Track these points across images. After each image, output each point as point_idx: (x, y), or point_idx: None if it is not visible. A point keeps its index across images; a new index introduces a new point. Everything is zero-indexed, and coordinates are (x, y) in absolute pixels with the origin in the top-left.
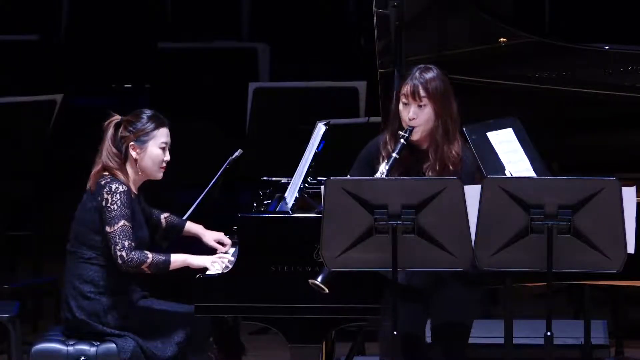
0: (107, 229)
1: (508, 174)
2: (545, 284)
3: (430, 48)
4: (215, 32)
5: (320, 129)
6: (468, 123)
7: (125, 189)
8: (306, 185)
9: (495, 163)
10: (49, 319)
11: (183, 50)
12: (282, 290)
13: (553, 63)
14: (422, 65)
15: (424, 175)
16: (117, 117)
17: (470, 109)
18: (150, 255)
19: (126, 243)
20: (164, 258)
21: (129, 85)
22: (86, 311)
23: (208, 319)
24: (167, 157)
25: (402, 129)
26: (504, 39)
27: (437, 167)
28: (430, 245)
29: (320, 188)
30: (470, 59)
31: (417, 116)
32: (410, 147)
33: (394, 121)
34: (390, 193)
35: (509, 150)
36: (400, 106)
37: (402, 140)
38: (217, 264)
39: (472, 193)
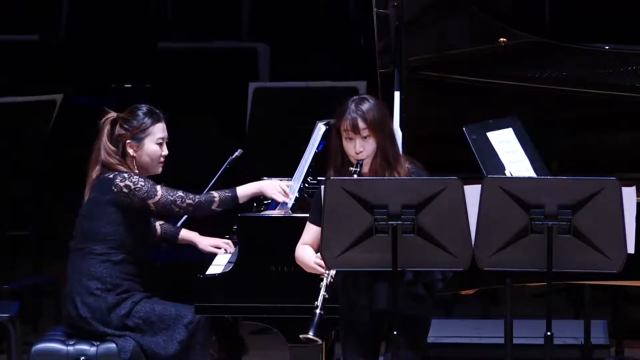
0: (152, 201)
1: (508, 174)
2: (545, 284)
3: (430, 48)
4: (215, 32)
5: (320, 129)
6: (468, 123)
7: (137, 173)
8: (306, 185)
9: (495, 163)
10: (49, 318)
11: (183, 50)
12: (282, 290)
13: (553, 63)
14: (356, 97)
15: None
16: (112, 114)
17: (471, 109)
18: (215, 193)
19: (181, 193)
20: (230, 193)
21: (129, 85)
22: (90, 308)
23: (210, 317)
24: (165, 152)
25: (345, 164)
26: (504, 39)
27: None
28: (430, 245)
29: (320, 188)
30: (470, 59)
31: (364, 148)
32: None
33: (335, 158)
34: (391, 193)
35: (509, 150)
36: (344, 142)
37: (355, 176)
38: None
39: (472, 193)
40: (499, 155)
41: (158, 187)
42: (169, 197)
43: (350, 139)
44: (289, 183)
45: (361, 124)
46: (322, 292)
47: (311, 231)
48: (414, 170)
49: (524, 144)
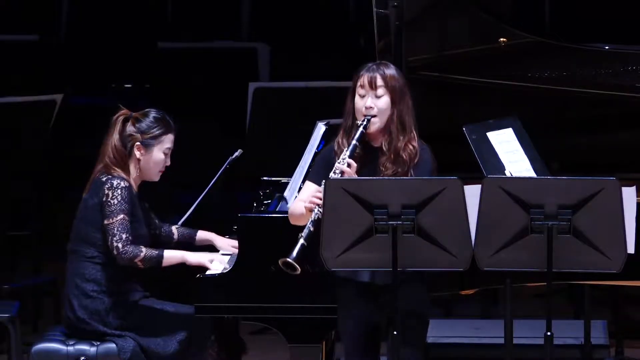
0: (105, 221)
1: (508, 174)
2: (545, 283)
3: (430, 48)
4: (215, 32)
5: (320, 128)
6: (468, 123)
7: (127, 185)
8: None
9: (495, 163)
10: (48, 319)
11: (183, 50)
12: (282, 290)
13: (553, 63)
14: (378, 61)
15: (380, 172)
16: (126, 112)
17: (471, 109)
18: (143, 249)
19: (124, 235)
20: (157, 253)
21: (129, 85)
22: (88, 310)
23: (209, 317)
24: (168, 162)
25: (355, 125)
26: (504, 39)
27: (392, 157)
28: (430, 245)
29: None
30: (471, 59)
31: (375, 105)
32: (364, 145)
33: (347, 118)
34: (390, 193)
35: (509, 150)
36: (357, 99)
37: (360, 129)
38: (216, 262)
39: (472, 193)
40: (499, 155)
41: (121, 215)
42: (116, 229)
43: (364, 95)
44: (224, 257)
45: (379, 81)
46: (309, 225)
47: (308, 188)
48: (424, 149)
49: (524, 143)
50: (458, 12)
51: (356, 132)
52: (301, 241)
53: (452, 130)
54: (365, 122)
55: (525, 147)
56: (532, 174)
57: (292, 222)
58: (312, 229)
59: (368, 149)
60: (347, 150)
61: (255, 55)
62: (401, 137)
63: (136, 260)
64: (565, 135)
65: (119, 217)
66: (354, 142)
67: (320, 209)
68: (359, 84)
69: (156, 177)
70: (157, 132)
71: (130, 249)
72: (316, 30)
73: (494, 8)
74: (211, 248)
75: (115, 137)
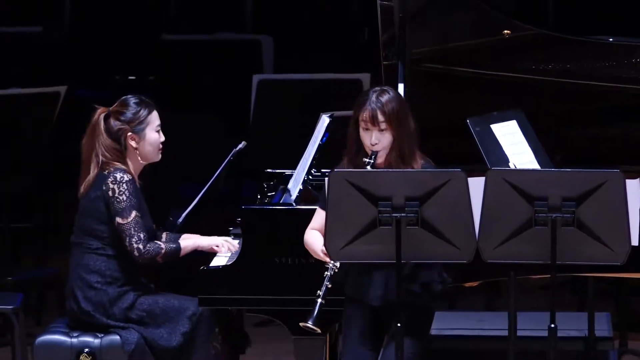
0: (119, 220)
1: (512, 166)
2: (549, 276)
3: (434, 40)
4: (218, 24)
5: (324, 121)
6: (472, 115)
7: (130, 178)
8: (310, 177)
9: (499, 155)
10: (52, 311)
11: (186, 42)
12: (286, 282)
13: (557, 55)
14: (377, 88)
15: None
16: (103, 109)
17: (474, 101)
18: (163, 245)
19: (142, 235)
20: (175, 246)
21: (133, 77)
22: (92, 302)
23: (213, 309)
24: (163, 138)
25: (360, 154)
26: (508, 31)
27: None
28: (434, 238)
29: (323, 180)
30: (475, 51)
31: (379, 141)
32: None
33: (351, 147)
34: (394, 185)
35: (513, 143)
36: (361, 132)
37: (368, 168)
38: (225, 245)
39: (476, 185)
40: (503, 147)
41: (133, 213)
42: (132, 229)
43: (368, 129)
44: (233, 241)
45: (380, 117)
46: (326, 282)
47: (320, 217)
48: (427, 167)
49: (527, 136)
50: (462, 4)
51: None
52: (319, 301)
53: (456, 123)
54: (372, 160)
55: (529, 140)
56: (536, 166)
57: (307, 248)
58: (329, 285)
59: None
60: None
61: (259, 47)
62: (402, 166)
63: (158, 257)
64: (569, 128)
65: (132, 216)
66: None
67: (334, 266)
68: (361, 117)
69: (157, 157)
70: (143, 115)
71: (151, 247)
72: (320, 22)
73: (497, 1)
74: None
75: (103, 136)
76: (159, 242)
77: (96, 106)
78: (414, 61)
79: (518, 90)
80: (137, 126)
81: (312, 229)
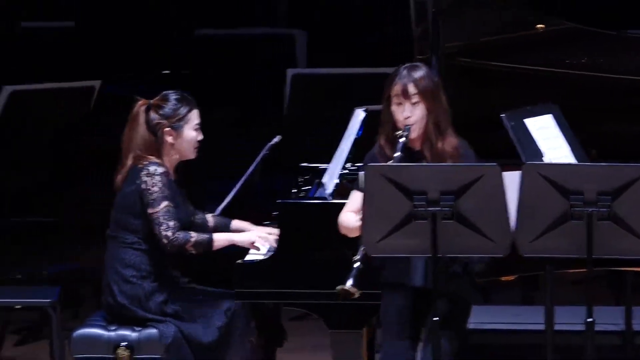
0: (150, 210)
1: (547, 161)
2: (585, 270)
3: (468, 34)
4: (252, 19)
5: (359, 115)
6: (506, 110)
7: (164, 170)
8: (345, 171)
9: (533, 149)
10: (89, 304)
11: (221, 37)
12: (322, 276)
13: (590, 49)
14: (408, 64)
15: None
16: (144, 101)
17: (509, 95)
18: (193, 234)
19: (171, 223)
20: (207, 237)
21: (167, 72)
22: (128, 295)
23: (249, 304)
24: (201, 137)
25: (395, 131)
26: (541, 25)
27: (433, 160)
28: (470, 232)
29: (358, 174)
30: (508, 46)
31: (412, 114)
32: (405, 149)
33: (385, 125)
34: (430, 179)
35: (548, 137)
36: (393, 107)
37: (403, 139)
38: (262, 241)
39: (511, 179)
40: (538, 141)
41: (164, 203)
42: (162, 218)
43: (400, 104)
44: (272, 234)
45: (411, 89)
46: (362, 247)
47: (355, 198)
48: (462, 144)
49: (562, 130)
50: None
51: (399, 144)
52: (356, 265)
53: (490, 117)
54: (406, 133)
55: (564, 134)
56: (572, 160)
57: (342, 232)
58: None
59: (408, 154)
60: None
61: (293, 41)
62: (439, 139)
63: (187, 246)
64: (604, 122)
65: (162, 205)
66: (399, 154)
67: None
68: (393, 93)
69: (193, 155)
70: (183, 112)
71: (180, 235)
72: (353, 16)
73: None
74: None
75: (142, 129)
76: (190, 232)
77: (137, 98)
78: (448, 56)
79: (551, 84)
80: (175, 122)
81: (348, 211)
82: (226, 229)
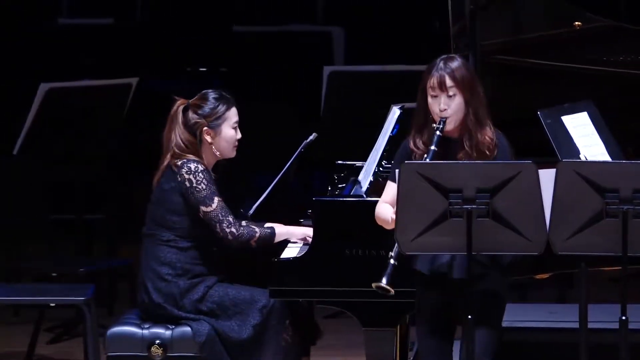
0: (204, 209)
1: (583, 158)
2: (620, 268)
3: (505, 32)
4: (290, 16)
5: (395, 112)
6: (543, 107)
7: (204, 167)
8: (380, 169)
9: (569, 147)
10: (124, 302)
11: (258, 34)
12: (357, 274)
13: (628, 47)
14: (444, 56)
15: None
16: (183, 101)
17: (545, 92)
18: (257, 229)
19: (231, 219)
20: (269, 231)
21: (204, 69)
22: (163, 293)
23: (284, 302)
24: (239, 136)
25: (428, 123)
26: (579, 23)
27: (475, 155)
28: (505, 230)
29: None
30: (545, 43)
31: (448, 106)
32: (442, 139)
33: (419, 116)
34: (465, 177)
35: (584, 134)
36: (429, 99)
37: (437, 133)
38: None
39: (547, 177)
40: (574, 139)
41: (216, 199)
42: (220, 215)
43: (436, 96)
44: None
45: (448, 81)
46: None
47: (391, 189)
48: (498, 134)
49: (598, 127)
50: None
51: (434, 137)
52: (391, 262)
53: (527, 114)
54: (441, 126)
55: (600, 131)
56: (607, 158)
57: (378, 223)
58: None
59: (446, 143)
60: (427, 158)
61: (330, 38)
62: (479, 131)
63: (252, 241)
64: None
65: (216, 202)
66: (433, 148)
67: None
68: (429, 84)
69: (232, 153)
70: (221, 111)
71: (245, 231)
72: (391, 14)
73: None
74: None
75: (180, 129)
76: (252, 226)
77: (175, 97)
78: (485, 53)
79: (588, 82)
80: (213, 121)
81: (384, 202)
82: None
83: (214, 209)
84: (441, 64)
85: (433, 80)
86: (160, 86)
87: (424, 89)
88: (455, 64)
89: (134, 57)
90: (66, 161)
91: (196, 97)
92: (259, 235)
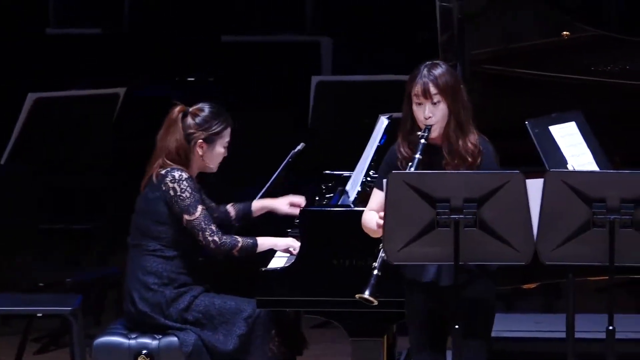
0: (187, 217)
1: (570, 168)
2: (607, 278)
3: (493, 41)
4: (278, 25)
5: (383, 122)
6: (531, 117)
7: (189, 176)
8: (368, 179)
9: (557, 157)
10: (111, 312)
11: (246, 43)
12: (344, 284)
13: (616, 56)
14: (428, 62)
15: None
16: (183, 107)
17: (533, 102)
18: (239, 239)
19: (213, 227)
20: (252, 241)
21: (192, 78)
22: (149, 303)
23: (270, 311)
24: (226, 154)
25: (414, 130)
26: (567, 33)
27: (457, 161)
28: (492, 239)
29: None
30: (533, 53)
31: (433, 114)
32: (427, 146)
33: (405, 124)
34: (453, 187)
35: (572, 144)
36: (414, 107)
37: (422, 141)
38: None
39: (534, 187)
40: (562, 149)
41: (199, 207)
42: (203, 223)
43: (420, 104)
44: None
45: (432, 89)
46: (381, 253)
47: (376, 196)
48: (482, 141)
49: (586, 137)
50: (521, 5)
51: (419, 145)
52: (375, 272)
53: (515, 124)
54: (426, 134)
55: (587, 141)
56: (595, 167)
57: (365, 230)
58: (385, 257)
59: (431, 150)
60: (411, 167)
61: (318, 48)
62: (460, 138)
63: (234, 250)
64: (628, 129)
65: (199, 210)
66: (417, 156)
67: None
68: (413, 92)
69: (215, 169)
70: (219, 128)
71: (227, 240)
72: (379, 24)
73: (557, 1)
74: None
75: (178, 134)
76: (236, 236)
77: (175, 102)
78: (473, 62)
79: (577, 91)
80: (210, 136)
81: (369, 209)
82: (249, 212)
83: (197, 217)
84: (425, 71)
85: (417, 88)
86: (149, 95)
87: (409, 96)
88: (439, 70)
89: (122, 67)
90: (55, 171)
91: (196, 106)
92: (242, 245)
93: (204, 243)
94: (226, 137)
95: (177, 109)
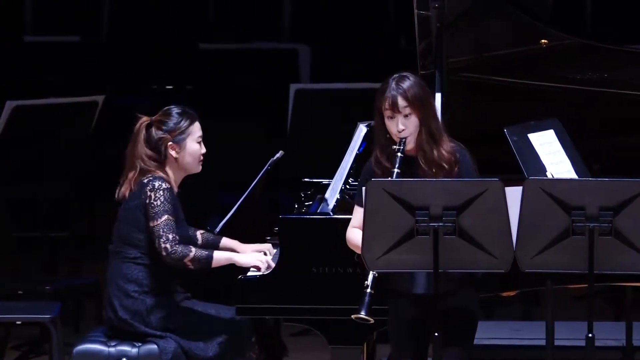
0: (151, 223)
1: (549, 176)
2: (586, 285)
3: (471, 49)
4: (256, 33)
5: (362, 130)
6: (509, 125)
7: (168, 186)
8: (347, 186)
9: (536, 164)
10: (90, 320)
11: (224, 51)
12: (323, 291)
13: (594, 64)
14: (396, 75)
15: None
16: (146, 118)
17: (511, 110)
18: (193, 249)
19: (170, 236)
20: (206, 253)
21: (170, 87)
22: (129, 310)
23: (250, 319)
24: (204, 150)
25: (390, 143)
26: (545, 41)
27: (433, 171)
28: (472, 247)
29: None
30: (511, 61)
31: (406, 127)
32: (403, 158)
33: (379, 136)
34: (432, 194)
35: (550, 152)
36: (386, 120)
37: (399, 154)
38: (262, 264)
39: (513, 194)
40: (540, 156)
41: (165, 216)
42: (162, 230)
43: (392, 117)
44: (263, 248)
45: (401, 102)
46: (372, 271)
47: (359, 213)
48: (457, 148)
49: (565, 145)
50: (499, 13)
51: (396, 158)
52: (368, 291)
53: (493, 132)
54: (402, 147)
55: (566, 149)
56: (574, 175)
57: (350, 247)
58: (376, 274)
59: (407, 162)
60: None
61: (296, 56)
62: (434, 147)
63: (185, 260)
64: (607, 137)
65: (163, 218)
66: (396, 170)
67: None
68: (383, 107)
69: (198, 168)
70: (185, 125)
71: (179, 248)
72: (357, 32)
73: (534, 9)
74: None
75: (142, 145)
76: (190, 247)
77: (139, 115)
78: (451, 70)
79: (555, 99)
80: (178, 136)
81: (353, 227)
82: (215, 247)
83: (158, 224)
84: (393, 85)
85: (387, 103)
86: (127, 104)
87: (380, 111)
88: (407, 83)
89: (100, 75)
90: (32, 179)
91: (159, 113)
92: (194, 256)
93: (158, 250)
94: (197, 132)
95: (141, 120)
